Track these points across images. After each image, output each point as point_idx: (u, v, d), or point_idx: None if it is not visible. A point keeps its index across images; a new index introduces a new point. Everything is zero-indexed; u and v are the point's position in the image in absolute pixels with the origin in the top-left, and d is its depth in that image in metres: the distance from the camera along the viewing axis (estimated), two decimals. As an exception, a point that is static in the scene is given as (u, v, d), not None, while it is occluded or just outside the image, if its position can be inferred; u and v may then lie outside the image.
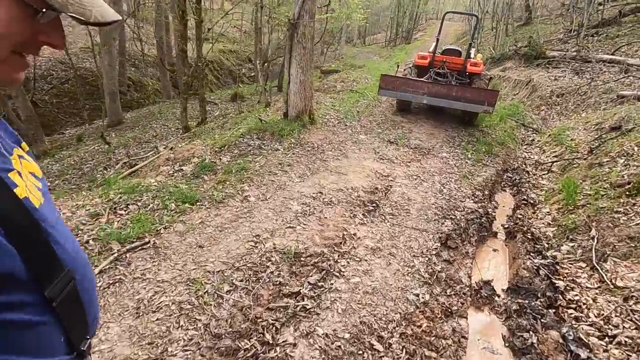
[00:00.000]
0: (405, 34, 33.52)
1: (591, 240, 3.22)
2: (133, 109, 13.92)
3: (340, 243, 3.11)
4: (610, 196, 3.73)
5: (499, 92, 6.36)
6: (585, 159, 5.34)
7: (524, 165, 6.13)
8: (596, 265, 2.92)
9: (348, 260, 2.92)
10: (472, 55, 7.74)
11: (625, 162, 4.29)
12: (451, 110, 7.28)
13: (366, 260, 2.95)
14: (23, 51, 0.56)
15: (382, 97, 7.77)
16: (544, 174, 5.66)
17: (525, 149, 7.25)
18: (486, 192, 4.79)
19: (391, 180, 4.55)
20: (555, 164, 5.72)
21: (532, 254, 3.30)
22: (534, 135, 8.23)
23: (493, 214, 4.29)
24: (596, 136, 6.44)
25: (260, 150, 5.03)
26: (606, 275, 2.76)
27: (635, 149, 4.42)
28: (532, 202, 4.56)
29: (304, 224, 3.36)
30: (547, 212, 4.08)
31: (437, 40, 7.49)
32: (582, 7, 15.60)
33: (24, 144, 0.71)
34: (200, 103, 9.29)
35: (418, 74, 7.53)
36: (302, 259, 2.85)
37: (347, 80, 11.00)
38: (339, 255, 2.95)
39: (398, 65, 7.54)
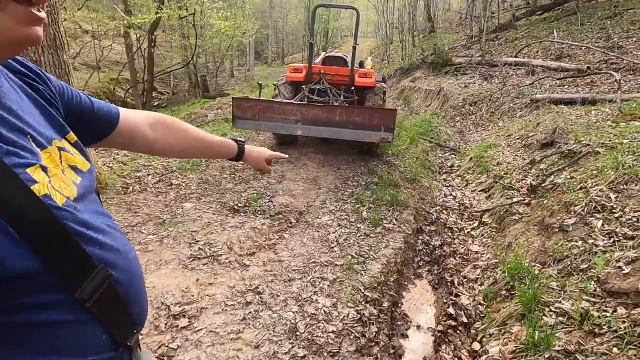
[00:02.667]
0: (321, 50, 32.45)
1: None
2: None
3: None
4: (613, 328, 1.67)
5: (396, 112, 4.33)
6: (527, 203, 3.44)
7: (444, 215, 4.14)
8: None
9: None
10: (366, 64, 5.75)
11: (605, 222, 2.36)
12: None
13: None
14: None
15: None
16: (473, 230, 3.68)
17: (444, 181, 5.36)
18: (386, 295, 2.58)
19: (189, 321, 2.10)
20: (486, 212, 3.78)
21: None
22: (453, 157, 6.49)
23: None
24: (528, 159, 4.72)
25: None
26: None
27: (612, 195, 2.52)
28: (464, 313, 2.45)
29: None
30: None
31: (311, 44, 5.36)
32: (479, 15, 15.31)
33: (71, 134, 0.67)
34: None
35: (294, 94, 5.32)
36: None
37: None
38: None
39: (276, 86, 5.33)
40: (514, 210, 3.44)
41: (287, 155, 1.29)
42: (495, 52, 12.15)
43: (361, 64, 5.74)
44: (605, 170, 2.83)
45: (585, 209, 2.52)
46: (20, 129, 0.55)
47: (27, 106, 0.60)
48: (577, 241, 2.36)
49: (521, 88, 8.33)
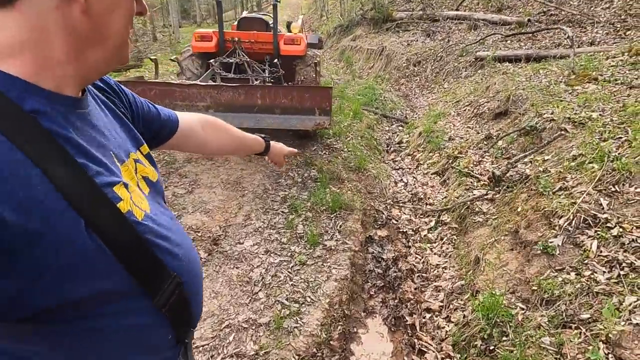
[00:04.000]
0: (256, 7, 29.55)
1: None
2: None
3: None
4: None
5: (332, 90, 3.44)
6: (491, 199, 2.86)
7: (396, 211, 3.48)
8: None
9: None
10: (292, 27, 4.65)
11: (602, 243, 1.79)
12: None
13: None
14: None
15: None
16: (430, 232, 3.06)
17: (393, 162, 4.70)
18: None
19: None
20: (445, 211, 3.15)
21: None
22: (401, 129, 5.83)
23: None
24: (483, 133, 4.15)
25: None
26: None
27: (604, 202, 1.94)
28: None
29: None
30: None
31: (218, 1, 4.10)
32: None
33: (144, 146, 0.70)
34: None
35: (205, 70, 4.12)
36: None
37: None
38: None
39: (177, 61, 4.07)
40: (477, 208, 2.84)
41: (298, 151, 1.33)
42: (436, 5, 11.42)
43: (289, 27, 4.61)
44: (587, 162, 2.26)
45: (573, 221, 1.93)
46: (105, 146, 0.57)
47: (109, 122, 0.63)
48: (568, 272, 1.78)
49: (466, 46, 7.74)
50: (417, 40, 9.85)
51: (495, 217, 2.63)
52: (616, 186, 1.98)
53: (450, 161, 3.95)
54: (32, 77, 0.47)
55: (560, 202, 2.05)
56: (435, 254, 2.81)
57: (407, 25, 10.82)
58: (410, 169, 4.41)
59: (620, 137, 2.36)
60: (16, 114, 0.45)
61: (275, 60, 4.00)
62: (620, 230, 1.77)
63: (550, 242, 1.92)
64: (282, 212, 3.10)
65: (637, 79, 3.65)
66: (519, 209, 2.39)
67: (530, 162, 2.92)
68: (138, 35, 24.88)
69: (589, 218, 1.91)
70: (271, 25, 4.30)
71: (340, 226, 2.95)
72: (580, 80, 4.18)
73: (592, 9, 7.50)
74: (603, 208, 1.92)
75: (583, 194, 2.03)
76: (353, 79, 9.03)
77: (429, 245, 2.93)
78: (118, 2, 0.52)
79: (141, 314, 0.57)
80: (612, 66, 4.33)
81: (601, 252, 1.76)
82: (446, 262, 2.68)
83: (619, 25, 6.54)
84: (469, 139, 4.22)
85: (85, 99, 0.57)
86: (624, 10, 6.86)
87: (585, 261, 1.77)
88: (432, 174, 4.08)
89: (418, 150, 4.70)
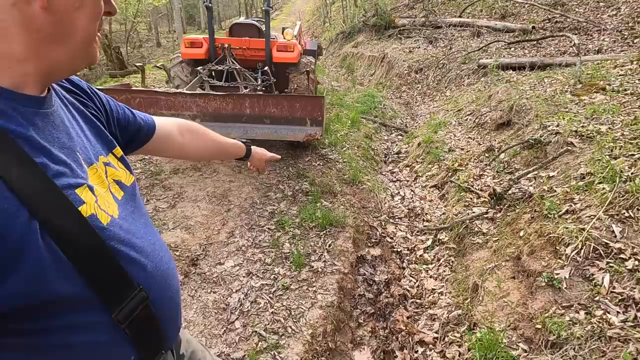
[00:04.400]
0: (261, 13, 29.65)
1: None
2: None
3: None
4: None
5: (324, 100, 3.26)
6: (491, 218, 2.65)
7: (391, 228, 3.28)
8: None
9: None
10: (291, 33, 4.50)
11: (615, 278, 1.58)
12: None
13: None
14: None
15: None
16: (427, 253, 2.85)
17: (391, 173, 4.50)
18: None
19: None
20: (443, 229, 2.94)
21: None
22: (400, 139, 5.64)
23: None
24: (484, 145, 3.95)
25: None
26: None
27: (616, 229, 1.73)
28: None
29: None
30: None
31: (208, 7, 3.92)
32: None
33: (117, 149, 0.68)
34: None
35: (194, 76, 3.97)
36: None
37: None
38: None
39: (165, 68, 3.89)
40: (476, 228, 2.64)
41: (279, 157, 1.28)
42: (439, 12, 11.27)
43: (283, 32, 4.46)
44: (597, 182, 2.05)
45: (582, 251, 1.72)
46: (69, 146, 0.55)
47: (76, 123, 0.61)
48: (577, 310, 1.57)
49: (469, 53, 7.56)
50: (419, 47, 9.69)
51: (496, 238, 2.42)
52: (630, 211, 1.77)
53: (450, 174, 3.75)
54: None
55: (567, 228, 1.84)
56: (431, 277, 2.60)
57: (410, 32, 10.67)
58: (408, 181, 4.21)
59: (633, 155, 2.15)
60: None
61: (266, 68, 3.83)
62: (636, 263, 1.56)
63: (557, 274, 1.71)
64: (268, 228, 2.91)
65: (648, 89, 3.45)
66: (521, 233, 2.18)
67: (534, 178, 2.71)
68: (142, 41, 24.99)
69: (599, 247, 1.70)
70: (277, 32, 4.15)
71: (330, 245, 2.75)
72: (587, 90, 3.98)
73: (598, 16, 7.31)
74: (615, 236, 1.72)
75: (593, 218, 1.82)
76: (353, 86, 8.88)
77: (424, 266, 2.73)
78: (83, 1, 0.50)
79: (97, 329, 0.52)
80: (620, 75, 4.13)
81: (614, 288, 1.55)
82: (442, 286, 2.48)
83: (626, 33, 6.33)
84: (470, 151, 4.01)
85: (50, 98, 0.55)
86: (632, 18, 6.66)
87: (596, 298, 1.56)
88: (430, 187, 3.87)
89: (417, 162, 4.50)
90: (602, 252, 1.69)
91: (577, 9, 7.87)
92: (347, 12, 16.47)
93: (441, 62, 8.22)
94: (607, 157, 2.24)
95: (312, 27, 21.93)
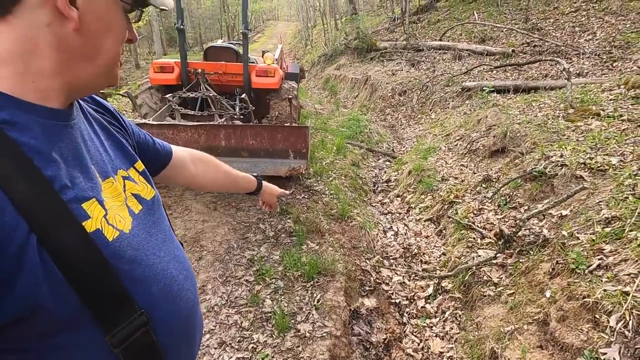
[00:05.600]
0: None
1: None
2: None
3: None
4: None
5: (309, 130, 2.94)
6: (502, 264, 2.33)
7: (386, 272, 2.91)
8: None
9: None
10: (271, 57, 4.19)
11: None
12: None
13: None
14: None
15: None
16: (428, 303, 2.49)
17: (381, 205, 4.18)
18: None
19: None
20: (448, 277, 2.59)
21: None
22: (388, 165, 5.37)
23: None
24: (480, 174, 3.70)
25: None
26: None
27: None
28: None
29: None
30: None
31: (179, 29, 3.56)
32: (399, -4, 14.53)
33: (139, 162, 0.68)
34: None
35: (165, 104, 3.57)
36: None
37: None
38: None
39: (129, 96, 3.49)
40: (485, 276, 2.30)
41: (289, 192, 1.28)
42: (419, 36, 11.39)
43: (265, 56, 4.16)
44: (627, 229, 1.76)
45: (630, 322, 1.40)
46: (85, 159, 0.55)
47: (97, 138, 0.61)
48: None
49: (454, 76, 7.51)
50: (401, 70, 9.66)
51: (511, 291, 2.09)
52: (678, 269, 1.48)
53: (446, 207, 3.45)
54: (11, 88, 0.48)
55: (606, 290, 1.53)
56: (437, 335, 2.23)
57: (392, 55, 10.69)
58: (400, 213, 3.89)
59: (661, 195, 1.89)
60: None
61: (244, 95, 3.49)
62: None
63: (603, 354, 1.37)
64: (246, 280, 2.49)
65: (645, 115, 3.29)
66: (544, 288, 1.86)
67: (544, 216, 2.43)
68: (121, 62, 24.53)
69: (650, 317, 1.39)
70: (257, 56, 3.83)
71: (319, 300, 2.35)
72: (580, 115, 3.82)
73: (575, 40, 7.42)
74: (667, 302, 1.41)
75: (635, 278, 1.52)
76: (337, 109, 8.67)
77: (428, 321, 2.35)
78: (111, 26, 0.54)
79: (89, 350, 0.50)
80: (612, 100, 4.01)
81: (682, 377, 1.23)
82: (452, 348, 2.10)
83: (604, 57, 6.39)
84: (465, 181, 3.75)
85: (71, 112, 0.56)
86: (608, 42, 6.76)
87: (660, 390, 1.23)
88: (425, 221, 3.56)
89: (408, 191, 4.20)
90: (654, 324, 1.37)
91: (554, 34, 8.00)
92: (328, 35, 16.60)
93: (425, 84, 8.15)
94: (631, 196, 1.97)
95: (294, 49, 22.05)
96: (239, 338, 2.05)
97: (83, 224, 0.48)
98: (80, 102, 0.61)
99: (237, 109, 3.59)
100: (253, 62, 3.98)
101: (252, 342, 2.02)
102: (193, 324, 0.67)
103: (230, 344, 2.00)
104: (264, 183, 1.13)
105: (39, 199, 0.45)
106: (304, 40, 21.15)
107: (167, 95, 3.47)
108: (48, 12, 0.46)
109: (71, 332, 0.48)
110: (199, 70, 3.47)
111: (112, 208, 0.54)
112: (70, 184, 0.49)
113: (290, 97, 3.72)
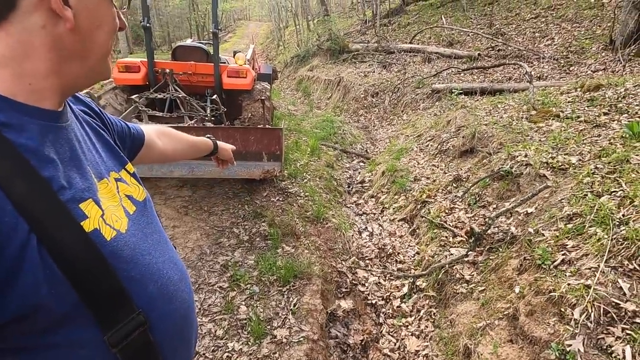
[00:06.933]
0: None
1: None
2: None
3: None
4: None
5: (282, 132, 2.90)
6: (473, 262, 2.40)
7: (362, 272, 2.93)
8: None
9: None
10: (243, 57, 4.11)
11: (636, 348, 1.33)
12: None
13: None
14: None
15: None
16: (404, 302, 2.52)
17: (356, 205, 4.20)
18: None
19: None
20: (420, 276, 2.64)
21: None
22: (362, 166, 5.42)
23: None
24: (451, 174, 3.80)
25: None
26: None
27: (624, 285, 1.52)
28: None
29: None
30: None
31: (146, 27, 3.41)
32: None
33: (129, 165, 0.69)
34: None
35: (130, 105, 3.41)
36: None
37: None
38: None
39: (91, 96, 3.34)
40: (457, 274, 2.36)
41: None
42: (390, 38, 11.61)
43: (235, 56, 4.06)
44: (588, 226, 1.86)
45: (592, 314, 1.47)
46: (79, 161, 0.55)
47: (89, 139, 0.62)
48: (601, 396, 1.29)
49: (424, 79, 7.70)
50: (373, 72, 9.80)
51: (482, 288, 2.16)
52: (633, 262, 1.57)
53: (419, 206, 3.52)
54: (7, 91, 0.48)
55: (569, 284, 1.60)
56: (412, 334, 2.26)
57: (364, 57, 10.81)
58: (375, 214, 3.93)
59: (616, 192, 2.01)
60: None
61: (215, 97, 3.39)
62: (657, 330, 1.33)
63: (569, 346, 1.44)
64: (220, 287, 2.42)
65: (599, 116, 3.51)
66: (512, 284, 1.92)
67: (511, 214, 2.53)
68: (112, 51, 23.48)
69: (610, 309, 1.47)
70: (229, 55, 3.71)
71: (295, 304, 2.32)
72: (542, 116, 4.01)
73: (535, 45, 7.82)
74: (624, 294, 1.50)
75: (595, 272, 1.60)
76: (311, 110, 8.66)
77: (404, 320, 2.38)
78: (102, 19, 0.53)
79: (87, 349, 0.50)
80: (569, 102, 4.24)
81: (639, 363, 1.30)
82: (427, 346, 2.14)
83: (562, 61, 6.77)
84: (436, 181, 3.84)
85: (65, 113, 0.56)
86: (565, 47, 7.17)
87: (620, 377, 1.30)
88: (399, 221, 3.61)
89: (382, 192, 4.25)
90: (614, 316, 1.45)
91: (516, 38, 8.40)
92: (300, 36, 16.57)
93: (396, 86, 8.31)
94: (589, 193, 2.09)
95: (267, 50, 21.84)
96: (212, 347, 1.98)
97: (82, 223, 0.49)
98: (70, 103, 0.62)
99: (208, 111, 3.48)
100: (224, 63, 3.89)
101: (226, 351, 1.96)
102: (189, 324, 0.67)
103: (204, 354, 1.93)
104: (219, 142, 1.17)
105: (38, 200, 0.45)
106: (276, 41, 21.01)
107: (133, 96, 3.31)
108: (42, 15, 0.46)
109: (69, 331, 0.48)
110: (167, 70, 3.34)
111: (109, 208, 0.55)
112: (67, 185, 0.50)
113: (263, 98, 3.66)
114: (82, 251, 0.48)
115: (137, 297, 0.54)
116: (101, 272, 0.49)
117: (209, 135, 1.16)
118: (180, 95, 3.28)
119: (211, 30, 3.54)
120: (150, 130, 0.94)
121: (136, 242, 0.57)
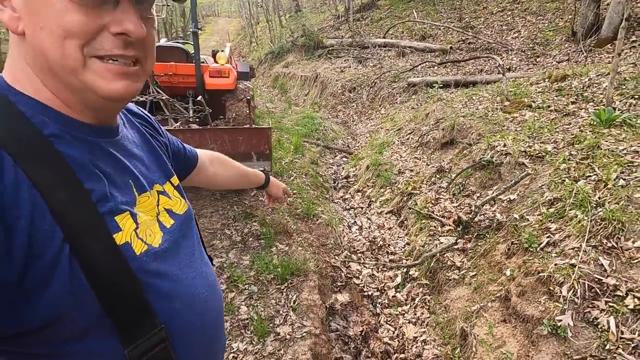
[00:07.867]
0: (181, 33, 28.21)
1: None
2: None
3: None
4: None
5: (270, 131, 2.91)
6: (463, 249, 2.52)
7: (355, 265, 3.00)
8: None
9: None
10: (224, 56, 4.05)
11: (620, 321, 1.46)
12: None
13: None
14: (100, 52, 0.47)
15: None
16: (398, 292, 2.61)
17: (344, 201, 4.27)
18: None
19: None
20: (414, 266, 2.74)
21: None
22: (345, 161, 5.48)
23: None
24: (433, 166, 3.93)
25: None
26: None
27: (604, 262, 1.65)
28: None
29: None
30: None
31: None
32: (342, -7, 14.78)
33: (175, 177, 0.69)
34: None
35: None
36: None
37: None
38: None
39: None
40: (448, 261, 2.47)
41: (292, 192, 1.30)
42: (364, 33, 11.71)
43: (215, 56, 4.00)
44: (568, 209, 2.00)
45: (578, 290, 1.60)
46: (123, 174, 0.56)
47: (139, 150, 0.62)
48: (591, 364, 1.41)
49: (401, 73, 7.84)
50: (349, 67, 9.88)
51: (473, 273, 2.27)
52: (612, 240, 1.72)
53: (405, 198, 3.62)
54: (48, 101, 0.48)
55: (556, 264, 1.73)
56: (409, 321, 2.35)
57: (339, 52, 10.86)
58: (362, 208, 4.01)
59: (590, 176, 2.17)
60: (34, 138, 0.45)
61: (199, 98, 3.34)
62: (636, 301, 1.47)
63: (559, 321, 1.55)
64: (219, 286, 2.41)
65: (567, 105, 3.72)
66: (502, 267, 2.04)
67: (494, 201, 2.66)
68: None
69: (594, 285, 1.60)
70: (193, 55, 3.64)
71: (295, 301, 2.35)
72: (515, 107, 4.21)
73: (503, 37, 8.14)
74: (605, 270, 1.63)
75: (578, 252, 1.73)
76: (289, 107, 8.64)
77: (400, 309, 2.47)
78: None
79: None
80: (539, 92, 4.46)
81: (622, 333, 1.43)
82: (424, 332, 2.23)
83: (529, 53, 7.08)
84: (420, 172, 3.96)
85: (114, 128, 0.57)
86: (530, 39, 7.50)
87: (607, 346, 1.43)
88: (387, 214, 3.71)
89: (368, 186, 4.34)
90: (597, 290, 1.58)
91: (485, 32, 8.69)
92: (273, 32, 16.39)
93: (373, 81, 8.42)
94: (567, 179, 2.24)
95: (239, 47, 21.46)
96: (217, 350, 1.98)
97: (114, 235, 0.49)
98: (127, 113, 0.63)
99: (191, 112, 3.42)
100: (203, 62, 3.82)
101: (232, 351, 1.97)
102: (215, 340, 0.66)
103: (208, 357, 1.93)
104: (271, 178, 1.18)
105: (76, 209, 0.46)
106: (249, 38, 20.68)
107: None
108: (14, 36, 0.45)
109: (90, 342, 0.48)
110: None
111: (144, 222, 0.55)
112: (107, 197, 0.51)
113: (248, 97, 3.63)
114: (110, 263, 0.48)
115: (162, 313, 0.53)
116: (127, 285, 0.49)
117: (264, 169, 1.17)
118: (162, 97, 3.20)
119: (191, 30, 3.46)
120: (204, 154, 0.94)
121: (167, 258, 0.57)
